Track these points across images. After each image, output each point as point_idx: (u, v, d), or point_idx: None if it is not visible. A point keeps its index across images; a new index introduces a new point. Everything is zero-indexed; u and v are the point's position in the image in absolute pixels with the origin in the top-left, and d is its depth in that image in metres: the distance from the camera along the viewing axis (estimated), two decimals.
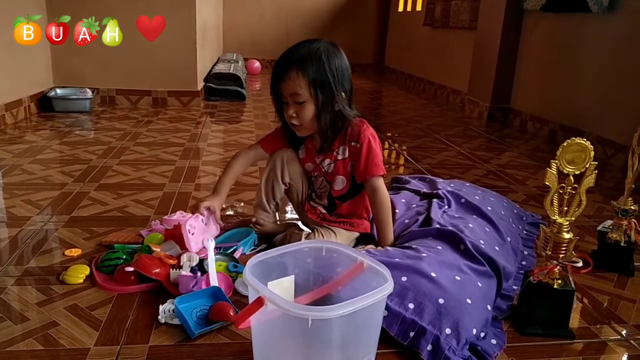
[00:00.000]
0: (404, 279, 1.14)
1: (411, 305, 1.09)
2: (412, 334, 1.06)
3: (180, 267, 1.26)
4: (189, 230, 1.30)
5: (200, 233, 1.34)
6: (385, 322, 1.07)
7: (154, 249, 1.33)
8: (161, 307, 1.14)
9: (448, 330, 1.05)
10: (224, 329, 1.10)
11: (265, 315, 0.86)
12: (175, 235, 1.42)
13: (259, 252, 1.38)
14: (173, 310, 1.13)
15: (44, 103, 3.42)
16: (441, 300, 1.09)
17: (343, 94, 1.34)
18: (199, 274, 1.24)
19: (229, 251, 1.41)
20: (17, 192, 1.88)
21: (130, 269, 1.25)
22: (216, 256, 1.35)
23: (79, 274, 1.27)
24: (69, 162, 2.30)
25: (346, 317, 0.83)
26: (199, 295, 1.17)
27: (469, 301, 1.11)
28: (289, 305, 0.83)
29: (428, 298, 1.10)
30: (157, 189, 1.97)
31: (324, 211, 1.49)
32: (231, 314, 1.10)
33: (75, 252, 1.42)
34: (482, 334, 1.09)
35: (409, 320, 1.07)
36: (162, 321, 1.11)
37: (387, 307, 1.09)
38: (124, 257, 1.32)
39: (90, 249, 1.44)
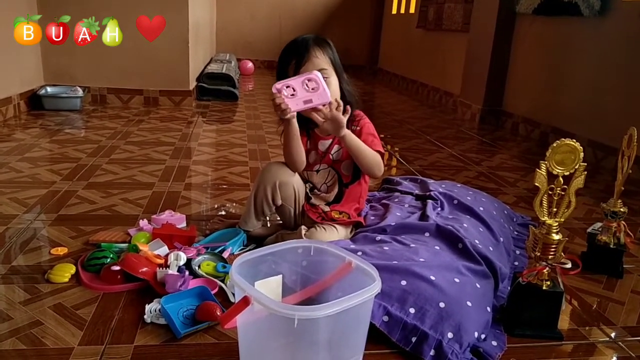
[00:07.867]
0: (403, 282, 1.13)
1: (412, 310, 1.08)
2: (414, 339, 1.05)
3: (167, 267, 1.25)
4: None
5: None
6: (386, 327, 1.07)
7: (141, 248, 1.32)
8: (147, 307, 1.12)
9: (450, 335, 1.04)
10: (210, 329, 1.09)
11: (251, 315, 0.85)
12: (163, 235, 1.41)
13: (247, 252, 1.36)
14: (159, 310, 1.11)
15: (34, 101, 3.39)
16: (442, 304, 1.09)
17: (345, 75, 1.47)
18: (186, 273, 1.23)
19: (217, 251, 1.40)
20: (5, 190, 1.86)
21: (117, 268, 1.24)
22: (204, 256, 1.34)
23: (65, 272, 1.26)
24: (58, 160, 2.28)
25: (333, 317, 0.82)
26: (185, 295, 1.16)
27: (469, 304, 1.11)
28: (275, 304, 0.82)
29: (429, 302, 1.09)
30: (146, 188, 1.96)
31: (326, 209, 1.49)
32: (218, 313, 1.09)
33: (61, 250, 1.40)
34: (483, 336, 1.09)
35: (410, 326, 1.06)
36: (148, 321, 1.10)
37: (388, 313, 1.08)
38: (111, 256, 1.31)
39: (77, 248, 1.43)
